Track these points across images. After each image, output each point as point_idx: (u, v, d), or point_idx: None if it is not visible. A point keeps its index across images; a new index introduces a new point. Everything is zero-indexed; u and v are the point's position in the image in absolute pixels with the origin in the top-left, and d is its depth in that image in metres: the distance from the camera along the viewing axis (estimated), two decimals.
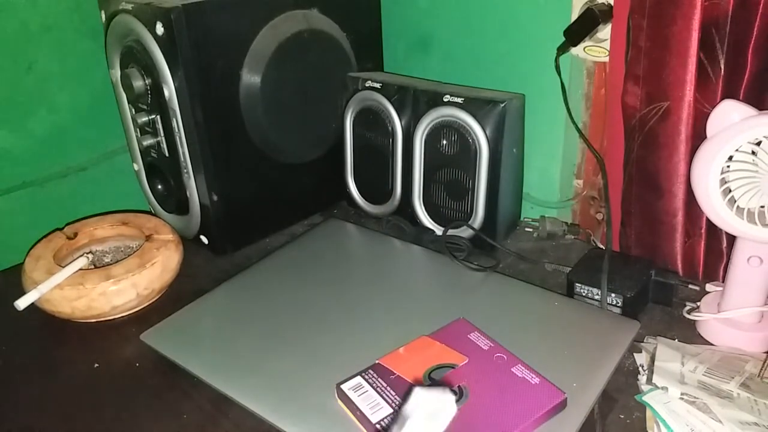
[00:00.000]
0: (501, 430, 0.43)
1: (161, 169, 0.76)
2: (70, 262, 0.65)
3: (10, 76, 0.75)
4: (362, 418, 0.45)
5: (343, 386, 0.47)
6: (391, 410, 0.44)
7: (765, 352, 0.55)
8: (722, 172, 0.51)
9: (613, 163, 0.70)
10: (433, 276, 0.66)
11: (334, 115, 0.80)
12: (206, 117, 0.68)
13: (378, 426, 0.43)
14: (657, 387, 0.50)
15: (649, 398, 0.49)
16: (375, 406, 0.45)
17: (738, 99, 0.54)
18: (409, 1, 0.85)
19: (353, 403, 0.46)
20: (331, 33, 0.77)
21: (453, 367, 0.48)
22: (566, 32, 0.68)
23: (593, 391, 0.48)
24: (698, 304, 0.61)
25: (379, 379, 0.48)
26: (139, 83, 0.68)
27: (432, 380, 0.47)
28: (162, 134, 0.71)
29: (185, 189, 0.73)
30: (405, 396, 0.40)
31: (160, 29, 0.63)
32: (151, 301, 0.67)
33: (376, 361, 0.49)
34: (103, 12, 0.72)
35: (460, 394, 0.46)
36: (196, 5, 0.64)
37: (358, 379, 0.48)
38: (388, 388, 0.47)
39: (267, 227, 0.79)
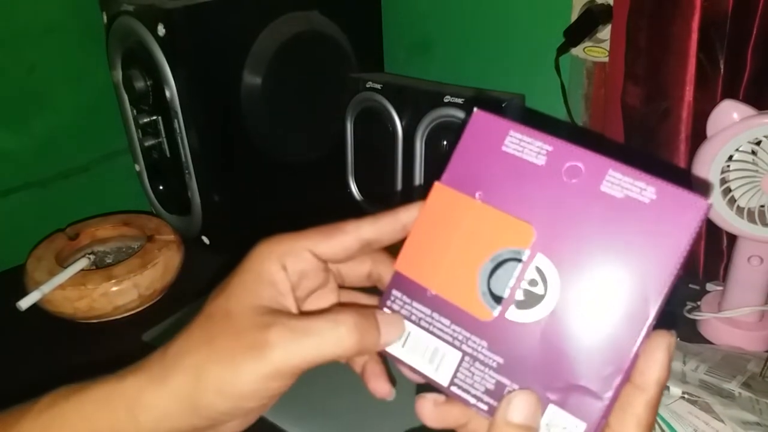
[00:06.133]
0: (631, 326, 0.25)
1: (163, 170, 0.76)
2: (72, 263, 0.65)
3: (12, 77, 0.75)
4: (431, 380, 0.28)
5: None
6: (460, 353, 0.27)
7: (766, 351, 0.55)
8: (722, 172, 0.51)
9: None
10: None
11: (335, 116, 0.81)
12: (207, 118, 0.68)
13: (456, 387, 0.27)
14: None
15: None
16: (434, 357, 0.28)
17: (737, 99, 0.54)
18: (410, 2, 0.85)
19: (401, 360, 0.29)
20: (331, 34, 0.77)
21: (519, 260, 0.26)
22: (566, 32, 0.68)
23: None
24: (699, 303, 0.61)
25: (414, 305, 0.28)
26: (140, 84, 0.68)
27: (495, 296, 0.27)
28: (163, 135, 0.72)
29: (187, 189, 0.73)
30: (466, 325, 0.27)
31: (161, 30, 0.63)
32: (152, 302, 0.67)
33: (395, 270, 0.29)
34: (104, 13, 0.72)
35: (544, 290, 0.26)
36: (198, 6, 0.64)
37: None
38: (435, 316, 0.28)
39: (268, 228, 0.79)
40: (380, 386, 0.30)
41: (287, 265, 0.28)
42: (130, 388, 0.26)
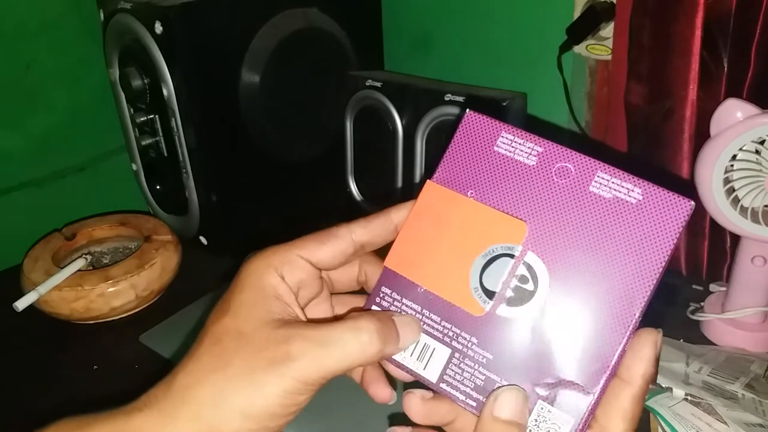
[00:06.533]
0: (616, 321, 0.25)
1: (160, 169, 0.75)
2: (69, 263, 0.64)
3: (9, 76, 0.74)
4: (419, 377, 0.28)
5: None
6: (449, 350, 0.27)
7: None
8: (726, 172, 0.51)
9: None
10: None
11: (334, 114, 0.80)
12: (205, 116, 0.67)
13: (444, 384, 0.27)
14: (661, 387, 0.50)
15: (653, 403, 0.49)
16: (423, 353, 0.28)
17: (741, 97, 0.53)
18: None
19: (393, 359, 0.28)
20: (331, 31, 0.76)
21: (511, 256, 0.27)
22: (569, 30, 0.68)
23: None
24: (702, 304, 0.61)
25: (404, 301, 0.28)
26: (137, 82, 0.68)
27: (488, 291, 0.27)
28: (161, 134, 0.71)
29: (184, 189, 0.72)
30: (457, 322, 0.27)
31: (158, 28, 0.63)
32: (150, 303, 0.67)
33: (384, 266, 0.30)
34: (101, 11, 0.71)
35: (534, 287, 0.27)
36: (195, 4, 0.63)
37: None
38: (426, 312, 0.28)
39: (267, 227, 0.79)
40: (381, 391, 0.29)
41: (285, 275, 0.27)
42: (141, 426, 0.25)
